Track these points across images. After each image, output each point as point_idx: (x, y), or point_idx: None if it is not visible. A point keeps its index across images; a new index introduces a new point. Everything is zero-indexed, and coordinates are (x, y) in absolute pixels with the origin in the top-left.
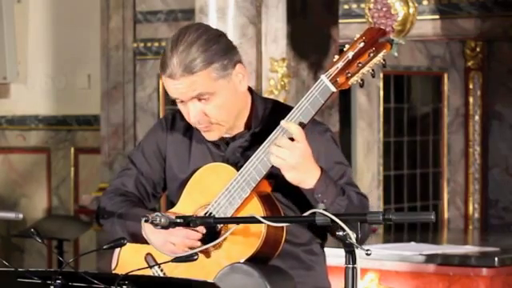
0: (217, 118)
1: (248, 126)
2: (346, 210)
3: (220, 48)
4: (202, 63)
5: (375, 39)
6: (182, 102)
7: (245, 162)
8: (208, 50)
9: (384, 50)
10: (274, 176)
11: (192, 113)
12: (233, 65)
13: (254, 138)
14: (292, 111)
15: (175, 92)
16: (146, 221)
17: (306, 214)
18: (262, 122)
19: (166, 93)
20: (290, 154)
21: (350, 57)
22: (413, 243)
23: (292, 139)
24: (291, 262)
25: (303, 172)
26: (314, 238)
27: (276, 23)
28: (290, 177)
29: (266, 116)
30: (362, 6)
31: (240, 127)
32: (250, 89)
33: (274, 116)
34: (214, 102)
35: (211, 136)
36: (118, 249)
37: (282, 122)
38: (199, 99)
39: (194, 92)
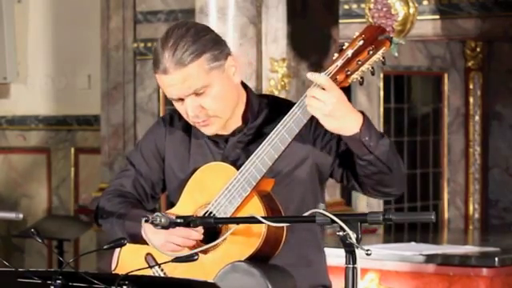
0: (214, 110)
1: (245, 120)
2: (390, 150)
3: (209, 39)
4: (193, 54)
5: (374, 37)
6: (178, 100)
7: (245, 159)
8: (198, 41)
9: (383, 48)
10: (275, 174)
11: (189, 107)
12: (224, 56)
13: (251, 133)
14: (292, 109)
15: (171, 91)
16: (147, 221)
17: (306, 214)
18: (259, 117)
19: None
20: (323, 104)
21: (350, 55)
22: (413, 243)
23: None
24: (291, 260)
25: (341, 118)
26: (314, 235)
27: (276, 23)
28: (329, 126)
29: (263, 110)
30: (362, 6)
31: (237, 123)
32: (244, 84)
33: (272, 110)
34: (210, 95)
35: (210, 130)
36: (118, 249)
37: (309, 75)
38: (196, 94)
39: (190, 89)
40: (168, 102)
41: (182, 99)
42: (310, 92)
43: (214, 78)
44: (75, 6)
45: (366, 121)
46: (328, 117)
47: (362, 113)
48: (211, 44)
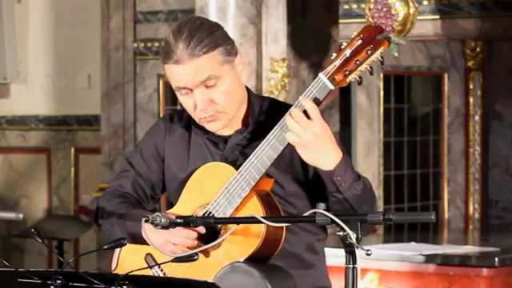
0: (224, 105)
1: (245, 122)
2: (361, 195)
3: (222, 34)
4: (208, 46)
5: (373, 36)
6: (187, 93)
7: (243, 160)
8: (211, 35)
9: (382, 47)
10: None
11: (199, 100)
12: (234, 53)
13: (251, 136)
14: (290, 109)
15: (182, 79)
16: (147, 221)
17: (306, 213)
18: (258, 119)
19: (166, 93)
20: (303, 132)
21: (348, 54)
22: (413, 243)
23: (308, 116)
24: (291, 261)
25: (317, 152)
26: (315, 236)
27: (276, 23)
28: (303, 155)
29: (263, 113)
30: (363, 6)
31: (237, 124)
32: (245, 86)
33: (271, 113)
34: (220, 88)
35: (215, 126)
36: (118, 249)
37: (300, 98)
38: (206, 86)
39: (203, 75)
40: (168, 101)
41: (189, 91)
42: (294, 114)
43: (225, 72)
44: (75, 6)
45: (344, 161)
46: (304, 147)
47: (344, 152)
48: (224, 38)
